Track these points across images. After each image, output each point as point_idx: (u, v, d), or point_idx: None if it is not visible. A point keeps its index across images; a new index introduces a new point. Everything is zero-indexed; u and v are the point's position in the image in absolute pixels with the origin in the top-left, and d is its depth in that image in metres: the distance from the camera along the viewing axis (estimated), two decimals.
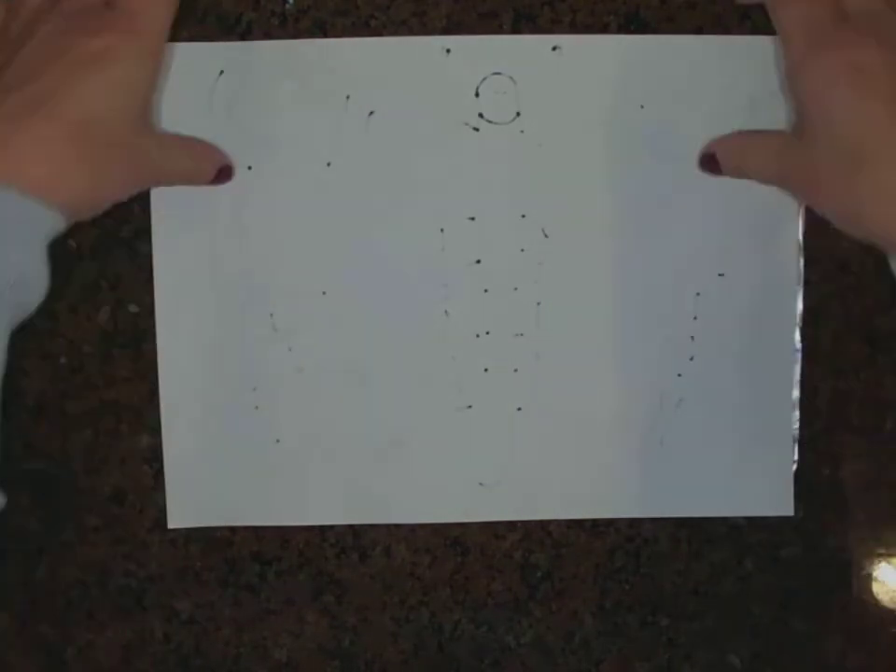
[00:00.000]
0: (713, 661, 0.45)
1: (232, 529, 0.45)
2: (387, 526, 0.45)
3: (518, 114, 0.43)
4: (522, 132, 0.43)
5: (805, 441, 0.45)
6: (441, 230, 0.43)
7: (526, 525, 0.45)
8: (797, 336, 0.44)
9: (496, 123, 0.43)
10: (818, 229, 0.44)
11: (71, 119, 0.34)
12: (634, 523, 0.45)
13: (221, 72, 0.42)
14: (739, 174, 0.42)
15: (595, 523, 0.45)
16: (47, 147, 0.34)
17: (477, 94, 0.42)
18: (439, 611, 0.45)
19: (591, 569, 0.45)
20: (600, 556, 0.45)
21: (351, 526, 0.45)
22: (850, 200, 0.37)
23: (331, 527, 0.45)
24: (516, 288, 0.43)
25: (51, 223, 0.34)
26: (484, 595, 0.45)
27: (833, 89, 0.36)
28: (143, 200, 0.43)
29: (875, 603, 0.46)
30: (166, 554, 0.45)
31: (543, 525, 0.45)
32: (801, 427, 0.44)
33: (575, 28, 0.42)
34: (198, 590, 0.45)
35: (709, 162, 0.42)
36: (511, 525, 0.45)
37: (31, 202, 0.33)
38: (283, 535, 0.45)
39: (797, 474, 0.45)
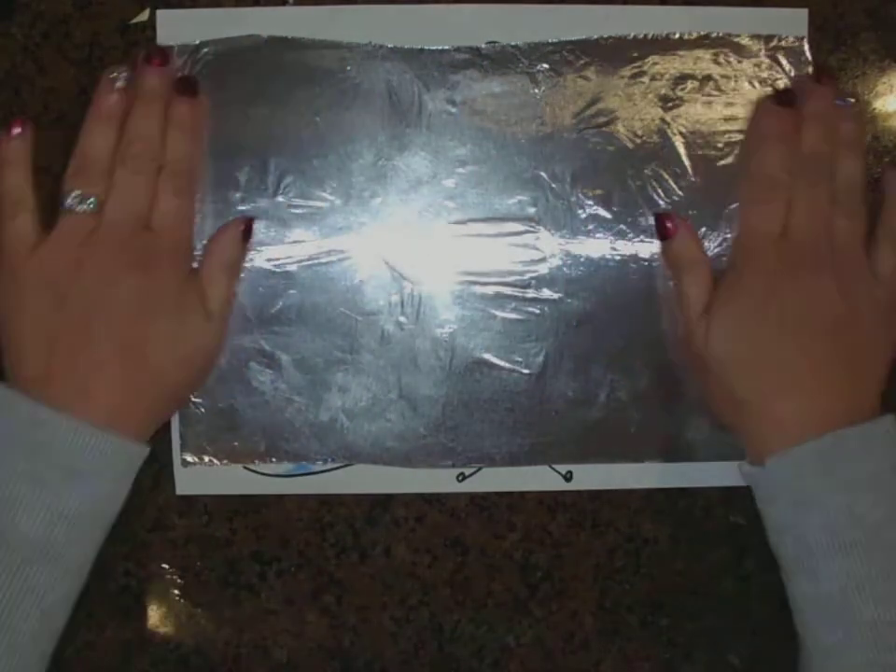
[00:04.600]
0: (713, 661, 0.45)
1: (232, 529, 0.45)
2: (387, 526, 0.45)
3: None
4: None
5: None
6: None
7: (526, 524, 0.45)
8: None
9: None
10: None
11: (151, 365, 0.38)
12: (634, 522, 0.45)
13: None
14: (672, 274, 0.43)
15: (595, 522, 0.45)
16: (124, 390, 0.38)
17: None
18: (439, 611, 0.45)
19: (591, 569, 0.45)
20: (600, 556, 0.45)
21: (351, 526, 0.45)
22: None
23: (331, 527, 0.45)
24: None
25: (130, 450, 0.38)
26: (484, 595, 0.45)
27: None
28: None
29: None
30: (166, 554, 0.45)
31: (543, 524, 0.45)
32: None
33: None
34: (198, 590, 0.45)
35: (661, 228, 0.43)
36: (512, 525, 0.45)
37: (107, 433, 0.36)
38: (283, 535, 0.45)
39: None
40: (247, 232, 0.42)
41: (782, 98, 0.42)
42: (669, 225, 0.42)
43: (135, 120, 0.40)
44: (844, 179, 0.41)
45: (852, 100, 0.42)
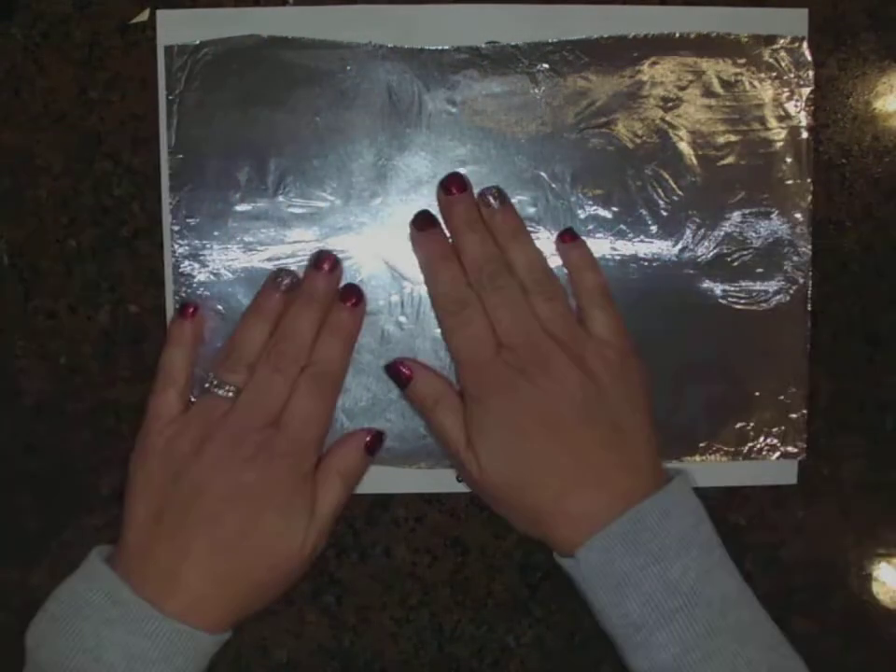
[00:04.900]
0: None
1: None
2: (387, 526, 0.45)
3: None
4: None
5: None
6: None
7: None
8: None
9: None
10: (818, 229, 0.44)
11: (242, 560, 0.38)
12: None
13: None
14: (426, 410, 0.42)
15: None
16: (209, 580, 0.38)
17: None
18: (439, 611, 0.45)
19: None
20: None
21: (351, 526, 0.45)
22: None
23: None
24: None
25: (202, 640, 0.37)
26: (484, 595, 0.45)
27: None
28: (143, 199, 0.43)
29: (875, 603, 0.46)
30: None
31: None
32: None
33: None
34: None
35: (398, 376, 0.42)
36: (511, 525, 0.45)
37: (179, 624, 0.36)
38: None
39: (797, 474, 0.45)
40: (373, 445, 0.42)
41: (421, 223, 0.42)
42: (405, 370, 0.42)
43: (290, 320, 0.41)
44: (523, 268, 0.41)
45: (493, 193, 0.42)
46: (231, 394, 0.40)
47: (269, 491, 0.39)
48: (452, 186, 0.42)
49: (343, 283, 0.43)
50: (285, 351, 0.40)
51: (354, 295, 0.42)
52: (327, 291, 0.42)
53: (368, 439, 0.42)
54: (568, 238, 0.43)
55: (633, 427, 0.40)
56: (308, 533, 0.39)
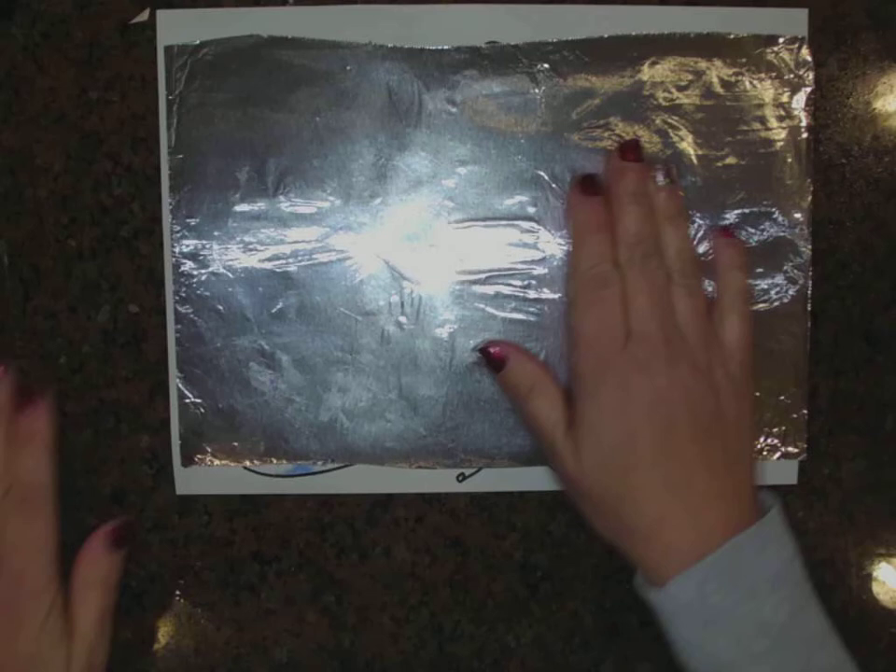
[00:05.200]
0: None
1: (232, 529, 0.45)
2: (387, 526, 0.45)
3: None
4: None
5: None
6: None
7: (526, 524, 0.45)
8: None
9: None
10: (818, 229, 0.44)
11: None
12: None
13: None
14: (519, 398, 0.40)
15: None
16: None
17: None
18: (439, 611, 0.45)
19: (591, 569, 0.45)
20: (600, 556, 0.45)
21: (351, 526, 0.45)
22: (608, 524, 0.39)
23: (331, 527, 0.45)
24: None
25: None
26: (484, 595, 0.45)
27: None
28: (143, 199, 0.43)
29: (875, 603, 0.46)
30: (166, 554, 0.45)
31: (543, 524, 0.45)
32: None
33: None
34: (198, 590, 0.45)
35: (491, 359, 0.40)
36: (512, 525, 0.45)
37: None
38: (283, 535, 0.45)
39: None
40: (119, 539, 0.39)
41: (586, 187, 0.40)
42: (496, 351, 0.40)
43: None
44: (674, 255, 0.39)
45: (661, 174, 0.40)
46: None
47: (10, 632, 0.36)
48: (629, 152, 0.40)
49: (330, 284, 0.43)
50: None
51: (31, 396, 0.38)
52: (2, 403, 0.38)
53: (111, 531, 0.39)
54: (728, 234, 0.42)
55: (740, 452, 0.38)
56: (74, 655, 0.37)
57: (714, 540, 0.36)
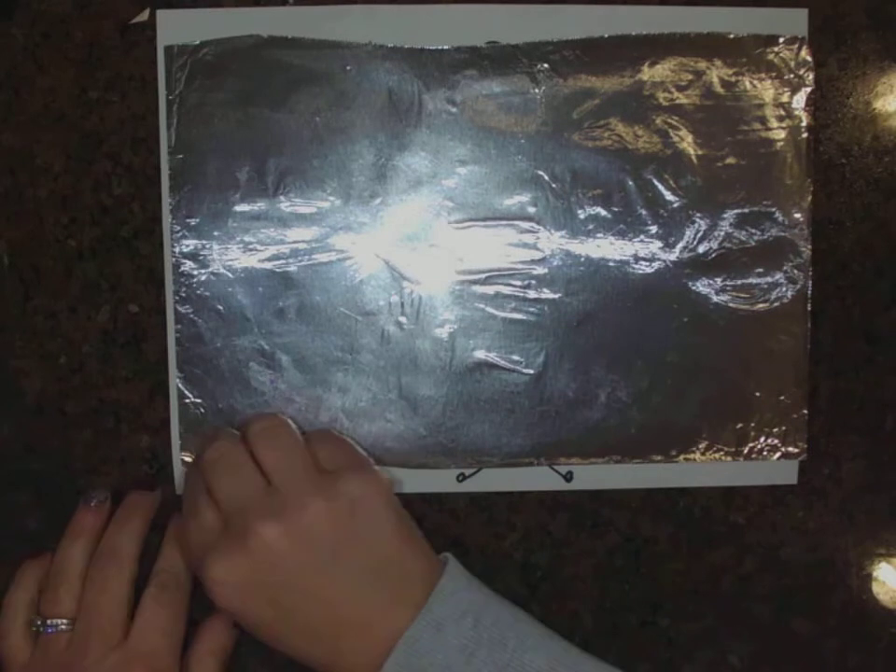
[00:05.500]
0: (713, 661, 0.45)
1: None
2: None
3: None
4: None
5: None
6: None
7: (526, 524, 0.45)
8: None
9: None
10: (818, 229, 0.44)
11: None
12: (634, 523, 0.45)
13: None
14: None
15: (595, 522, 0.45)
16: None
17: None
18: None
19: (591, 569, 0.45)
20: (600, 556, 0.45)
21: None
22: None
23: None
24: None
25: None
26: None
27: None
28: (143, 199, 0.43)
29: (875, 603, 0.46)
30: None
31: (543, 524, 0.45)
32: None
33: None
34: (198, 590, 0.45)
35: None
36: (512, 525, 0.45)
37: None
38: None
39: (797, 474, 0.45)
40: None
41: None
42: None
43: (107, 536, 0.40)
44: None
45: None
46: (63, 626, 0.38)
47: None
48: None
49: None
50: (105, 568, 0.39)
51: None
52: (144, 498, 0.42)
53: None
54: None
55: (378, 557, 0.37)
56: None
57: (389, 640, 0.35)
